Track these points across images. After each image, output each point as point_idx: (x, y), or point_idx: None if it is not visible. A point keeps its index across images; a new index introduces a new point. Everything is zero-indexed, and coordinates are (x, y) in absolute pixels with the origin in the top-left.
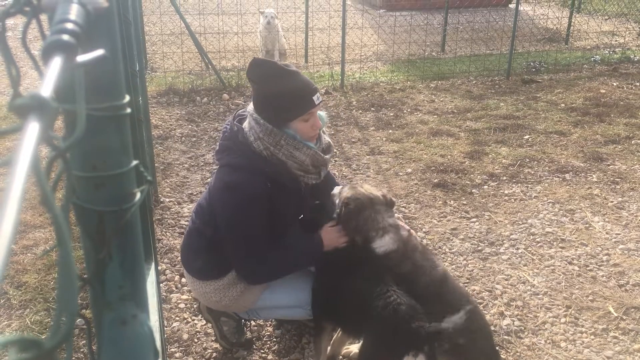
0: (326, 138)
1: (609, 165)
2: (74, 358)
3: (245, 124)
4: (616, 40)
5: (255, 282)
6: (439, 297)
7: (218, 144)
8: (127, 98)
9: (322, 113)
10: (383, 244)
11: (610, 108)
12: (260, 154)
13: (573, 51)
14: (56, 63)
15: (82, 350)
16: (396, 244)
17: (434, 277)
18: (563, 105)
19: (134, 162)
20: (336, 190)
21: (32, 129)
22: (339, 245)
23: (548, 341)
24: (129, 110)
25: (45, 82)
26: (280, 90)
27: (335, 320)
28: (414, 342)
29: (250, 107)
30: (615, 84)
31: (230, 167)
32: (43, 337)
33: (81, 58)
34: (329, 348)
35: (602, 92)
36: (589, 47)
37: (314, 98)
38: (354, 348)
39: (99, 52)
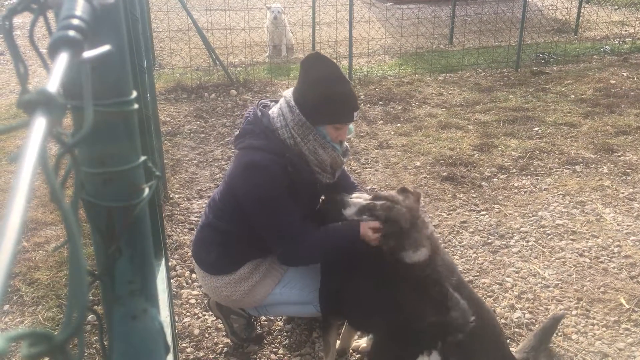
0: (345, 143)
1: (619, 156)
2: (86, 353)
3: (274, 110)
4: (626, 30)
5: (293, 262)
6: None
7: (240, 128)
8: (135, 94)
9: (351, 126)
10: (416, 256)
11: (621, 99)
12: (283, 142)
13: (582, 42)
14: (63, 59)
15: (94, 345)
16: (427, 255)
17: (442, 287)
18: (573, 96)
19: (142, 158)
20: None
21: (40, 124)
22: (370, 242)
23: (559, 333)
24: (136, 106)
25: (52, 78)
26: (330, 94)
27: (343, 316)
28: (427, 340)
29: (288, 93)
30: (625, 74)
31: (252, 148)
32: (55, 333)
33: (88, 54)
34: (338, 342)
35: (612, 83)
36: (598, 37)
37: (355, 113)
38: (363, 342)
39: (106, 47)
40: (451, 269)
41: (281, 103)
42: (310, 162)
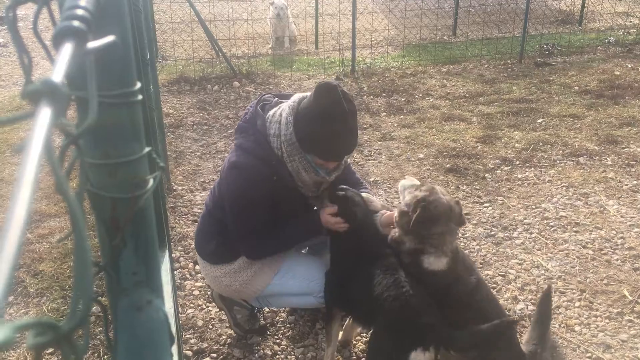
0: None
1: (623, 148)
2: (91, 344)
3: (275, 112)
4: (630, 21)
5: (256, 256)
6: (468, 305)
7: (238, 123)
8: (139, 85)
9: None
10: (435, 264)
11: (625, 90)
12: (272, 149)
13: (587, 33)
14: (67, 49)
15: (98, 337)
16: (447, 266)
17: (467, 287)
18: (577, 88)
19: (147, 149)
20: (406, 183)
21: (44, 114)
22: (334, 229)
23: (562, 325)
24: (140, 97)
25: (57, 69)
26: (326, 132)
27: (346, 309)
28: (422, 337)
29: (295, 101)
30: (629, 65)
31: (241, 149)
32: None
33: (92, 44)
34: (341, 333)
35: (617, 74)
36: (602, 28)
37: (345, 157)
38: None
39: (110, 38)
40: (469, 269)
41: (284, 109)
42: (294, 177)
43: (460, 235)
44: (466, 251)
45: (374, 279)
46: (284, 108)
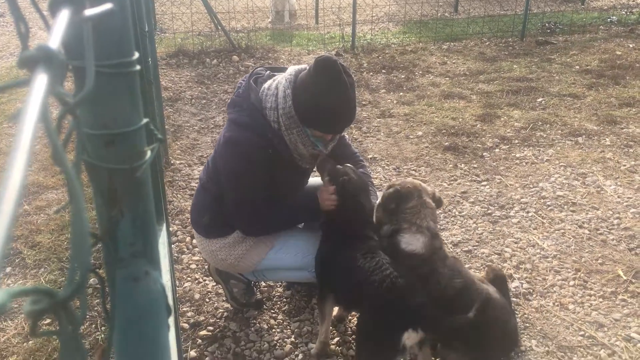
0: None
1: (622, 128)
2: (88, 315)
3: (270, 85)
4: (633, 1)
5: (252, 233)
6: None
7: (231, 98)
8: (137, 54)
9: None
10: (412, 242)
11: (626, 70)
12: (268, 122)
13: (589, 12)
14: (64, 16)
15: (95, 308)
16: (424, 250)
17: (450, 285)
18: (578, 67)
19: (144, 120)
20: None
21: (41, 81)
22: (326, 208)
23: (556, 303)
24: (138, 67)
25: (53, 35)
26: (326, 106)
27: (332, 291)
28: (414, 316)
29: (292, 73)
30: (631, 45)
31: (235, 123)
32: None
33: (89, 12)
34: (336, 309)
35: (618, 54)
36: (605, 7)
37: (345, 129)
38: None
39: (107, 6)
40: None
41: (280, 81)
42: (291, 149)
43: (457, 213)
44: (462, 229)
45: (355, 263)
46: (281, 81)
